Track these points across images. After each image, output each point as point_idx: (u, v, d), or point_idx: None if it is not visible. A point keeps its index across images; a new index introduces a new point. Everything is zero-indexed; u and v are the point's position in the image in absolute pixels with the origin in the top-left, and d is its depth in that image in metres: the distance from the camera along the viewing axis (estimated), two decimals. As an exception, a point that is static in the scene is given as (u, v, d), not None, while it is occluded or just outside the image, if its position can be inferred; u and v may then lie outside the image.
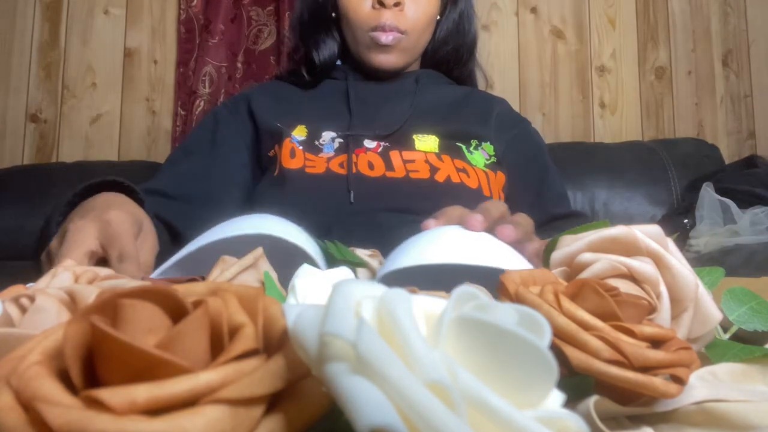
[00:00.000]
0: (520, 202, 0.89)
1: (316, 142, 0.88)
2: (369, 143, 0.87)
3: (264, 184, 0.88)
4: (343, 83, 0.96)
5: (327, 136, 0.88)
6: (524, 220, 0.51)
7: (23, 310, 0.27)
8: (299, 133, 0.89)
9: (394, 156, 0.85)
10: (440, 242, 0.43)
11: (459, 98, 0.98)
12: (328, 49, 0.97)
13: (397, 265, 0.41)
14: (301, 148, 0.86)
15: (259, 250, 0.37)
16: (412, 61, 0.97)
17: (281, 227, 0.45)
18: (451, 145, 0.88)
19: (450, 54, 1.02)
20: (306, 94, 0.96)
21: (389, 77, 0.96)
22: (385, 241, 0.53)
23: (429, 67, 1.02)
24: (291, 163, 0.84)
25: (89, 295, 0.28)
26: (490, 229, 0.47)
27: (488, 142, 0.92)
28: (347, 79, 0.96)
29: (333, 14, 0.97)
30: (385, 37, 0.88)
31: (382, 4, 0.88)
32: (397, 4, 0.88)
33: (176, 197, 0.84)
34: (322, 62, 0.96)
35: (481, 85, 1.11)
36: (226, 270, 0.35)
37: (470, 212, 0.49)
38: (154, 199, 0.76)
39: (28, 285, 0.31)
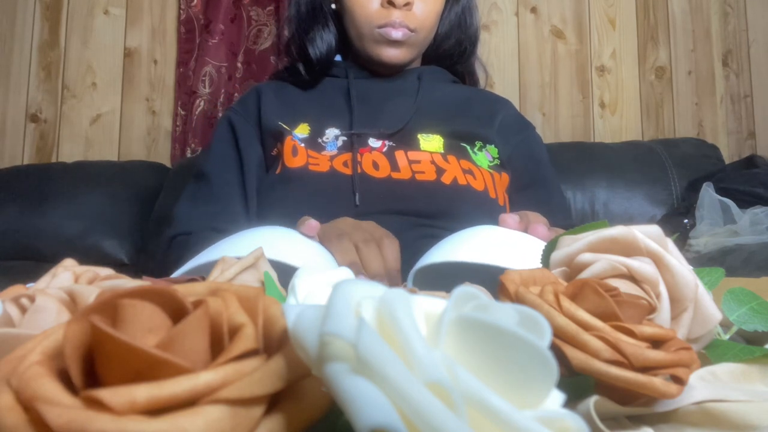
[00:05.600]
0: (522, 206, 0.88)
1: (319, 140, 0.86)
2: (374, 142, 0.86)
3: (267, 182, 0.87)
4: (343, 81, 0.94)
5: (330, 133, 0.87)
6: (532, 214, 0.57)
7: (23, 310, 0.27)
8: (302, 131, 0.88)
9: (400, 156, 0.83)
10: (473, 241, 0.44)
11: (463, 99, 0.97)
12: (326, 42, 0.94)
13: (428, 260, 0.41)
14: (303, 145, 0.85)
15: (259, 250, 0.37)
16: (417, 57, 0.96)
17: (288, 246, 0.46)
18: (455, 145, 0.87)
19: (453, 48, 1.00)
20: (307, 95, 0.95)
21: (391, 73, 0.95)
22: None
23: (431, 62, 1.00)
24: (294, 162, 0.83)
25: (89, 295, 0.28)
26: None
27: (492, 145, 0.91)
28: (348, 77, 0.94)
29: (333, 5, 0.95)
30: (396, 33, 0.87)
31: (391, 4, 0.86)
32: (406, 4, 0.87)
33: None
34: (320, 57, 0.94)
35: (482, 82, 1.10)
36: (226, 270, 0.35)
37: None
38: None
39: (28, 285, 0.31)
